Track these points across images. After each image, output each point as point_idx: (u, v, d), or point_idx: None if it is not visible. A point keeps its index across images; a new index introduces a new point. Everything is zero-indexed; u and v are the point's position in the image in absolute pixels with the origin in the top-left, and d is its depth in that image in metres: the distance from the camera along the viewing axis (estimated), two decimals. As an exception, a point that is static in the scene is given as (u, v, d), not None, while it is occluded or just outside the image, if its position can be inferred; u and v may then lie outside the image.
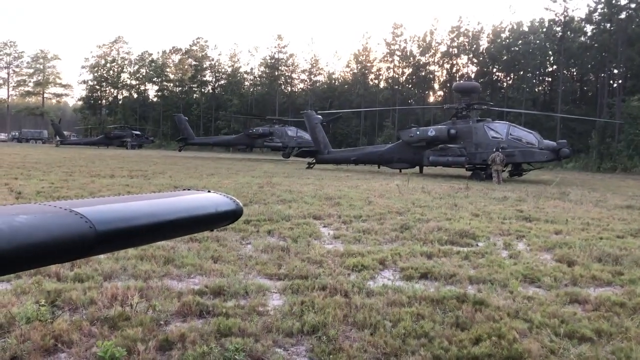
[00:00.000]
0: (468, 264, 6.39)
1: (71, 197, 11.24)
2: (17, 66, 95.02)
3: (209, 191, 2.32)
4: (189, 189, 2.56)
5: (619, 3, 49.23)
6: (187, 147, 53.22)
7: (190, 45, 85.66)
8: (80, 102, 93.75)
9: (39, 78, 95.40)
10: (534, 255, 7.04)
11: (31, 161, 24.90)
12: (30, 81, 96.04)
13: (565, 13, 54.64)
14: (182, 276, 5.45)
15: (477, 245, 7.71)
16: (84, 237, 1.52)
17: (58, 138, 65.66)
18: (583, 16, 55.56)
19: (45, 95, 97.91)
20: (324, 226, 8.96)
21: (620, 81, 51.30)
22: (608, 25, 51.03)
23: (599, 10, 51.99)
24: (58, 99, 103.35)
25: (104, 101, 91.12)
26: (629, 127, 41.53)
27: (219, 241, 7.00)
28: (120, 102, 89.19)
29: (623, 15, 49.27)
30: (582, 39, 56.87)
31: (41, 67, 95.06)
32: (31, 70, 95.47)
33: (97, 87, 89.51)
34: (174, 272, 5.55)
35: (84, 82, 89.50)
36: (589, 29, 55.95)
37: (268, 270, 5.75)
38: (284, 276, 5.54)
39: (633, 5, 48.79)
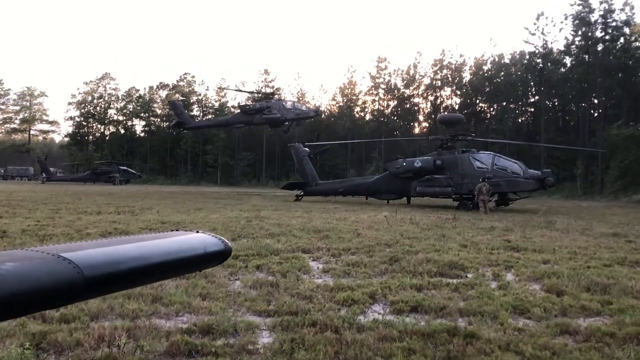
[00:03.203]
0: (458, 296, 6.37)
1: (57, 235, 11.10)
2: (3, 103, 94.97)
3: (197, 231, 2.32)
4: (177, 230, 2.56)
5: (595, 36, 50.77)
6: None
7: (177, 81, 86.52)
8: (67, 139, 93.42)
9: (25, 115, 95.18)
10: (523, 286, 7.04)
11: (17, 198, 24.60)
12: (16, 118, 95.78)
13: (544, 45, 56.16)
14: (170, 315, 5.37)
15: (466, 276, 7.71)
16: (72, 284, 1.52)
17: (44, 175, 65.12)
18: (562, 48, 57.26)
19: (32, 132, 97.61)
20: (313, 260, 8.92)
21: (600, 110, 52.50)
22: (586, 56, 52.46)
23: (577, 43, 53.55)
24: (44, 135, 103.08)
25: (90, 137, 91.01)
26: (612, 155, 42.23)
27: (207, 278, 6.92)
28: (107, 137, 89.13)
29: (600, 47, 50.76)
30: (562, 70, 58.40)
31: (27, 104, 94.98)
32: (17, 108, 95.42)
33: (84, 123, 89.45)
34: (162, 310, 5.46)
35: (71, 118, 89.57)
36: (568, 60, 57.58)
37: (257, 306, 5.69)
38: (274, 312, 5.48)
39: (608, 37, 50.35)
